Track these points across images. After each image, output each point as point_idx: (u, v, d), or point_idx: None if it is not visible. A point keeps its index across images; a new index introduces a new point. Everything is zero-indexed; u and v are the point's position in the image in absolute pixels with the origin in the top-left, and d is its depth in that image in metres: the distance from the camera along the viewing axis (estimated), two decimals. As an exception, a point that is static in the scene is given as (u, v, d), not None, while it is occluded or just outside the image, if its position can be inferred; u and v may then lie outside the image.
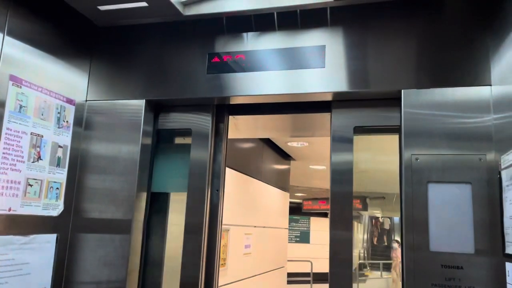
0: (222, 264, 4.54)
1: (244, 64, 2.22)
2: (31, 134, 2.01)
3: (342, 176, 2.09)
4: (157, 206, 2.41)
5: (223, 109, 2.42)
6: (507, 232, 1.60)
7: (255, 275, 5.27)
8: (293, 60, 2.15)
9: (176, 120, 2.42)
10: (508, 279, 1.60)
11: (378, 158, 2.31)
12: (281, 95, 2.17)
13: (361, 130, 2.16)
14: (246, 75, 2.20)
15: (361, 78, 2.05)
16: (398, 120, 2.03)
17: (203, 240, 2.21)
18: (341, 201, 2.06)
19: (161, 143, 2.47)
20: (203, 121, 2.35)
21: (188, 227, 2.23)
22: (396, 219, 2.22)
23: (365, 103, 2.14)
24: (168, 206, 2.45)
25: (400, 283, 1.85)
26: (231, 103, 2.36)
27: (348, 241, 2.04)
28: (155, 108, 2.41)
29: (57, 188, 2.15)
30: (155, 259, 2.36)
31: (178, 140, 2.56)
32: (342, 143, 2.13)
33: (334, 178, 2.10)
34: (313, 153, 6.18)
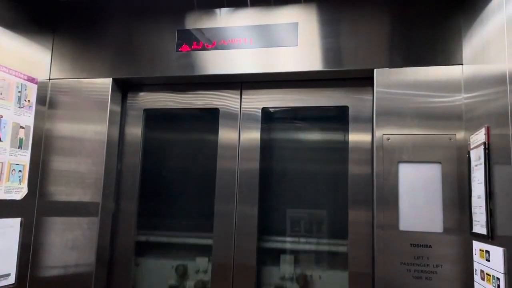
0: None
1: (215, 42, 2.14)
2: (-11, 114, 1.91)
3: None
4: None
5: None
6: (475, 211, 1.62)
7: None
8: (265, 38, 2.09)
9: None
10: (475, 257, 1.63)
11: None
12: (253, 74, 2.11)
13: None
14: (217, 53, 2.13)
15: (334, 56, 2.01)
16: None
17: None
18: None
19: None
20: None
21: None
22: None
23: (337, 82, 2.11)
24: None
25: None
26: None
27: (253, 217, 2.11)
28: (123, 87, 2.32)
29: (20, 171, 2.06)
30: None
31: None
32: None
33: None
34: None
